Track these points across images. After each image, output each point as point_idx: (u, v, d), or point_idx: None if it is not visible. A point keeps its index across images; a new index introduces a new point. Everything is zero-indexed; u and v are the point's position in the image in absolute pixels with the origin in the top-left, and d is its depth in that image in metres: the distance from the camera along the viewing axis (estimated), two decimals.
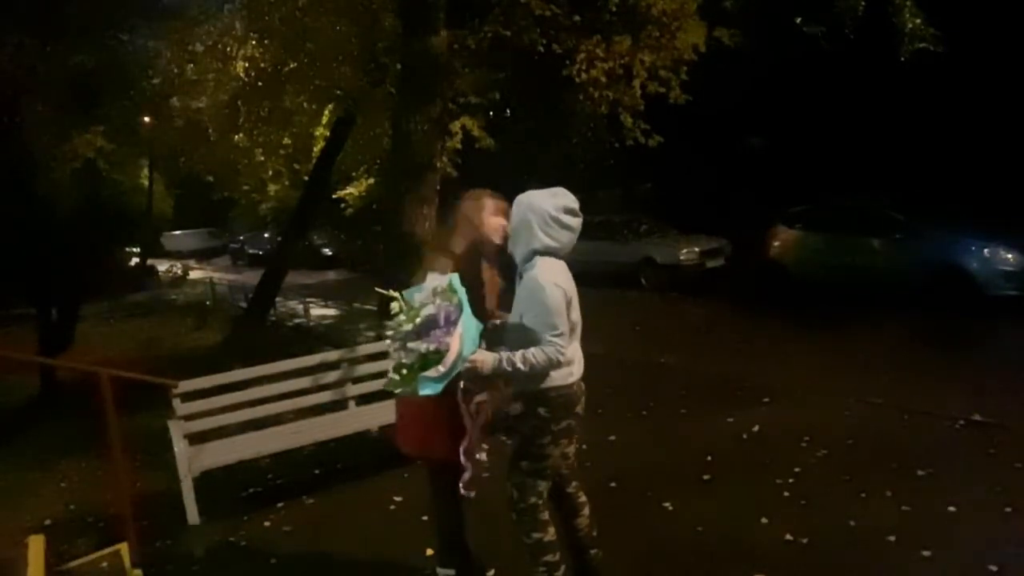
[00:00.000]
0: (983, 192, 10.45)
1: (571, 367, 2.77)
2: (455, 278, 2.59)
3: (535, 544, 2.82)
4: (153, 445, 5.13)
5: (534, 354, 2.61)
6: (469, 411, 2.85)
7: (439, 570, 3.20)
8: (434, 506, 3.22)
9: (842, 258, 9.85)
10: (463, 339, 2.49)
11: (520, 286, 2.75)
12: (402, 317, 2.54)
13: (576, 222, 2.76)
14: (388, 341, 2.67)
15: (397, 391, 2.60)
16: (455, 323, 2.50)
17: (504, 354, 2.64)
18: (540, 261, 2.72)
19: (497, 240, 2.99)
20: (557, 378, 2.72)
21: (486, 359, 2.62)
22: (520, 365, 2.61)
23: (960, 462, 4.24)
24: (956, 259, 8.53)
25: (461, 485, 2.91)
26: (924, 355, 6.87)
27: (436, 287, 2.57)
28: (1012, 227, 8.50)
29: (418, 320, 2.51)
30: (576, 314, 2.79)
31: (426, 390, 2.49)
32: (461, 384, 2.80)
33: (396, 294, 2.60)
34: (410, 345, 2.49)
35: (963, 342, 7.27)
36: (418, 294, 2.59)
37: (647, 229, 13.87)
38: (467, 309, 2.54)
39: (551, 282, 2.66)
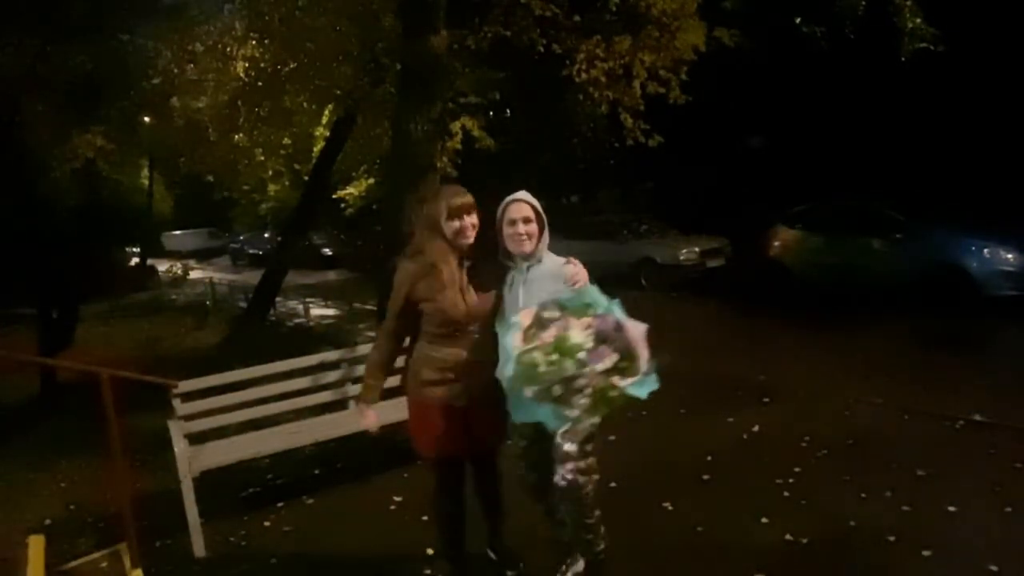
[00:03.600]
0: (983, 192, 10.45)
1: None
2: (562, 297, 2.58)
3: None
4: (153, 445, 5.13)
5: None
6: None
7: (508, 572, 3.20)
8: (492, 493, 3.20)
9: (842, 258, 9.85)
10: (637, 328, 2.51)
11: (542, 275, 2.77)
12: (554, 356, 2.41)
13: None
14: (531, 388, 2.47)
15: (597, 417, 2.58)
16: (620, 324, 2.50)
17: None
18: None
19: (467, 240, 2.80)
20: None
21: None
22: None
23: (960, 462, 4.24)
24: (956, 259, 8.53)
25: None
26: (924, 355, 6.87)
27: (545, 316, 2.51)
28: (1012, 227, 8.51)
29: (585, 351, 2.43)
30: None
31: (647, 389, 2.50)
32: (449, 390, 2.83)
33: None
34: (598, 368, 2.41)
35: (963, 342, 7.27)
36: (508, 336, 2.52)
37: (647, 229, 13.85)
38: (617, 307, 2.56)
39: None
